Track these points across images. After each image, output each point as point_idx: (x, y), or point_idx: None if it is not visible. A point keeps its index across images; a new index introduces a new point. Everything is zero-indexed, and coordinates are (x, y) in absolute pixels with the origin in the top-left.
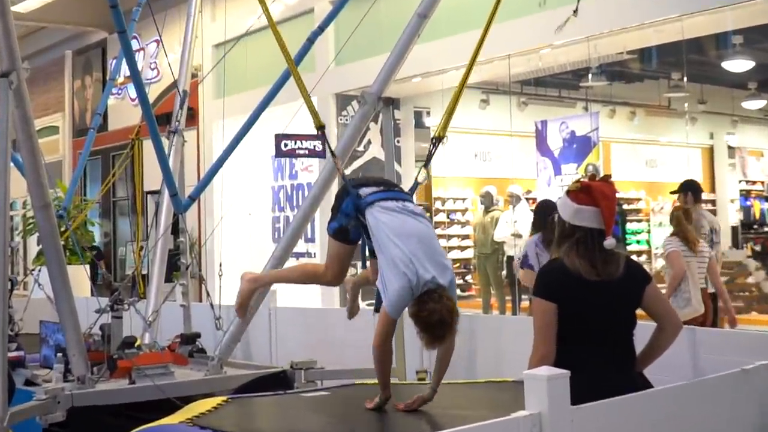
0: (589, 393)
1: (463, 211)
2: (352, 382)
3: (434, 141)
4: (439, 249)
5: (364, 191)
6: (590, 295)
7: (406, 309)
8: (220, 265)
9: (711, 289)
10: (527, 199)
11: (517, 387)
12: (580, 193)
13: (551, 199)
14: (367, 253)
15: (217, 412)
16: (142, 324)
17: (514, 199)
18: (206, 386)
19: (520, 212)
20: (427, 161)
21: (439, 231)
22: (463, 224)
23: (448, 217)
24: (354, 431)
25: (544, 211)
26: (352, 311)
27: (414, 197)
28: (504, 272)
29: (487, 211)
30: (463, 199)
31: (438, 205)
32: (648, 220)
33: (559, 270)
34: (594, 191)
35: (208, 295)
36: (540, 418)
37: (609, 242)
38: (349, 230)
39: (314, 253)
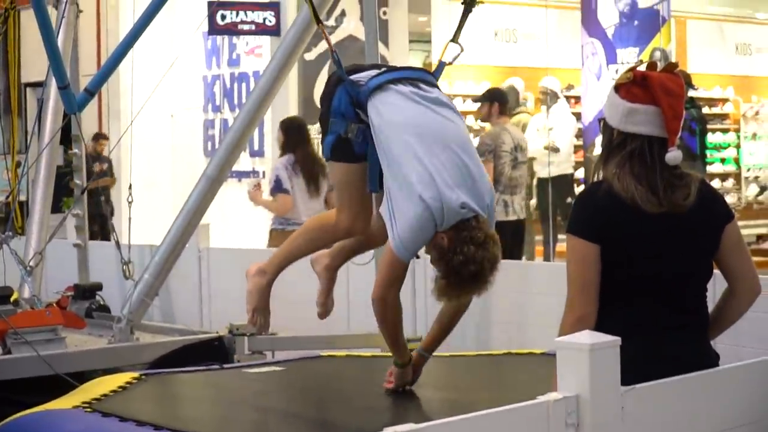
0: (646, 369)
1: (476, 115)
2: (317, 354)
3: (467, 1)
4: (475, 158)
5: (362, 75)
6: (649, 233)
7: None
8: (130, 188)
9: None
10: (568, 98)
11: (548, 362)
12: (633, 86)
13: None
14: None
15: (124, 393)
16: (19, 271)
17: (549, 98)
18: (110, 358)
19: (558, 116)
20: (456, 32)
21: None
22: (477, 132)
23: None
24: (323, 421)
25: (294, 129)
26: (325, 306)
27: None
28: (533, 201)
29: (510, 113)
30: (476, 97)
31: None
32: (737, 131)
33: (605, 197)
34: (653, 84)
35: (112, 230)
36: (578, 402)
37: (673, 154)
38: (351, 141)
39: (262, 172)
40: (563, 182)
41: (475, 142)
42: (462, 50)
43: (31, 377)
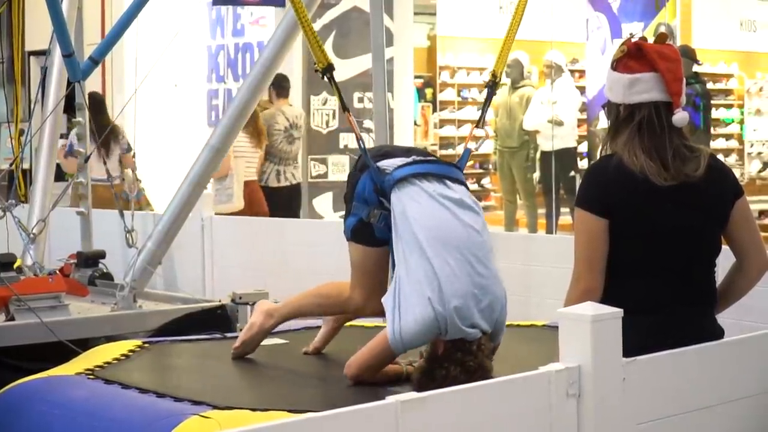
0: (650, 342)
1: (481, 87)
2: (319, 324)
3: (490, 83)
4: (491, 267)
5: (389, 163)
6: (659, 205)
7: None
8: (134, 156)
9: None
10: (572, 72)
11: (552, 334)
12: (629, 59)
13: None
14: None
15: (127, 361)
16: (23, 238)
17: (553, 71)
18: (113, 325)
19: (562, 90)
20: (481, 116)
21: (446, 114)
22: (480, 105)
23: (459, 95)
24: (325, 391)
25: (94, 104)
26: (315, 347)
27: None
28: (536, 174)
29: (514, 87)
30: (481, 70)
31: (445, 77)
32: (741, 106)
33: (616, 171)
34: (648, 51)
35: (116, 198)
36: (579, 373)
37: (680, 116)
38: (372, 226)
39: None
40: (567, 156)
41: None
42: (487, 136)
43: (34, 344)
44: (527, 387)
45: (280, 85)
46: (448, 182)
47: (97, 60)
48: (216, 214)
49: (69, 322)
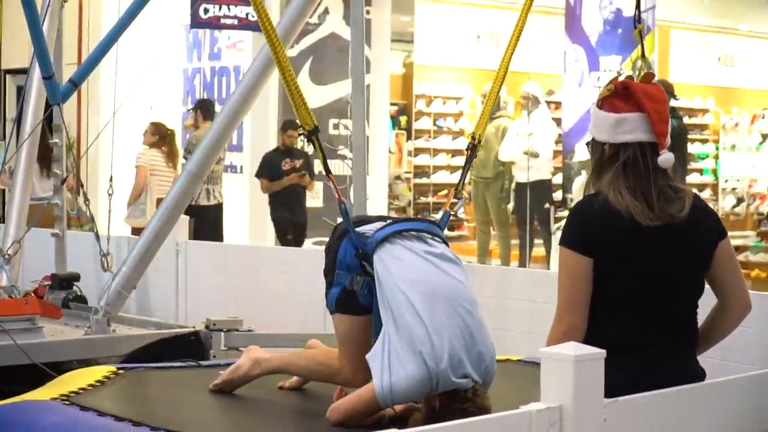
0: (632, 383)
1: (457, 116)
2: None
3: (470, 147)
4: (478, 317)
5: (367, 228)
6: (643, 245)
7: None
8: (111, 180)
9: None
10: (549, 104)
11: (525, 370)
12: (616, 98)
13: None
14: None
15: (103, 387)
16: None
17: (529, 102)
18: (87, 349)
19: (539, 121)
20: (461, 178)
21: (421, 142)
22: (456, 135)
23: (434, 124)
24: (304, 420)
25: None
26: (291, 383)
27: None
28: (510, 205)
29: (490, 117)
30: (458, 99)
31: (421, 106)
32: (716, 141)
33: (600, 209)
34: (635, 91)
35: (91, 220)
36: (560, 412)
37: (665, 157)
38: (356, 293)
39: (240, 167)
40: (541, 187)
41: None
42: (467, 200)
43: (6, 366)
44: (508, 426)
45: (207, 109)
46: (427, 239)
47: (76, 83)
48: (133, 230)
49: (43, 344)
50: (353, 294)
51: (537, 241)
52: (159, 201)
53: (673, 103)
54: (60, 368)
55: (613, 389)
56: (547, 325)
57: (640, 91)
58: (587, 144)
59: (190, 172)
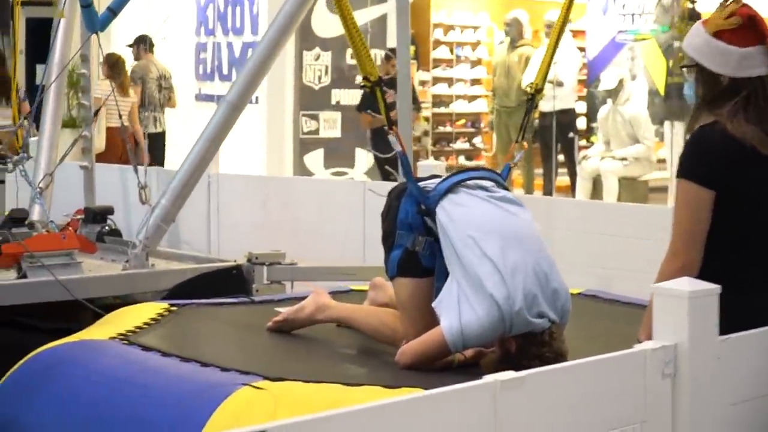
0: (749, 321)
1: (474, 45)
2: (348, 288)
3: (530, 96)
4: (547, 255)
5: (429, 182)
6: (765, 176)
7: None
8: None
9: None
10: (572, 32)
11: (585, 303)
12: (741, 30)
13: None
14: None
15: (159, 326)
16: (29, 192)
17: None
18: (126, 285)
19: (563, 50)
20: (522, 129)
21: (438, 71)
22: (474, 63)
23: (451, 53)
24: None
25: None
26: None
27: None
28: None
29: (513, 46)
30: (475, 28)
31: (438, 34)
32: None
33: (721, 140)
34: (759, 22)
35: (131, 153)
36: (675, 351)
37: None
38: (419, 254)
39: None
40: (565, 116)
41: None
42: (525, 148)
43: (47, 302)
44: (622, 366)
45: (146, 42)
46: (489, 185)
47: (115, 11)
48: None
49: (83, 280)
50: (415, 255)
51: (561, 170)
52: (108, 129)
53: None
54: (95, 304)
55: (723, 326)
56: (595, 257)
57: (763, 23)
58: (683, 67)
59: (229, 102)
